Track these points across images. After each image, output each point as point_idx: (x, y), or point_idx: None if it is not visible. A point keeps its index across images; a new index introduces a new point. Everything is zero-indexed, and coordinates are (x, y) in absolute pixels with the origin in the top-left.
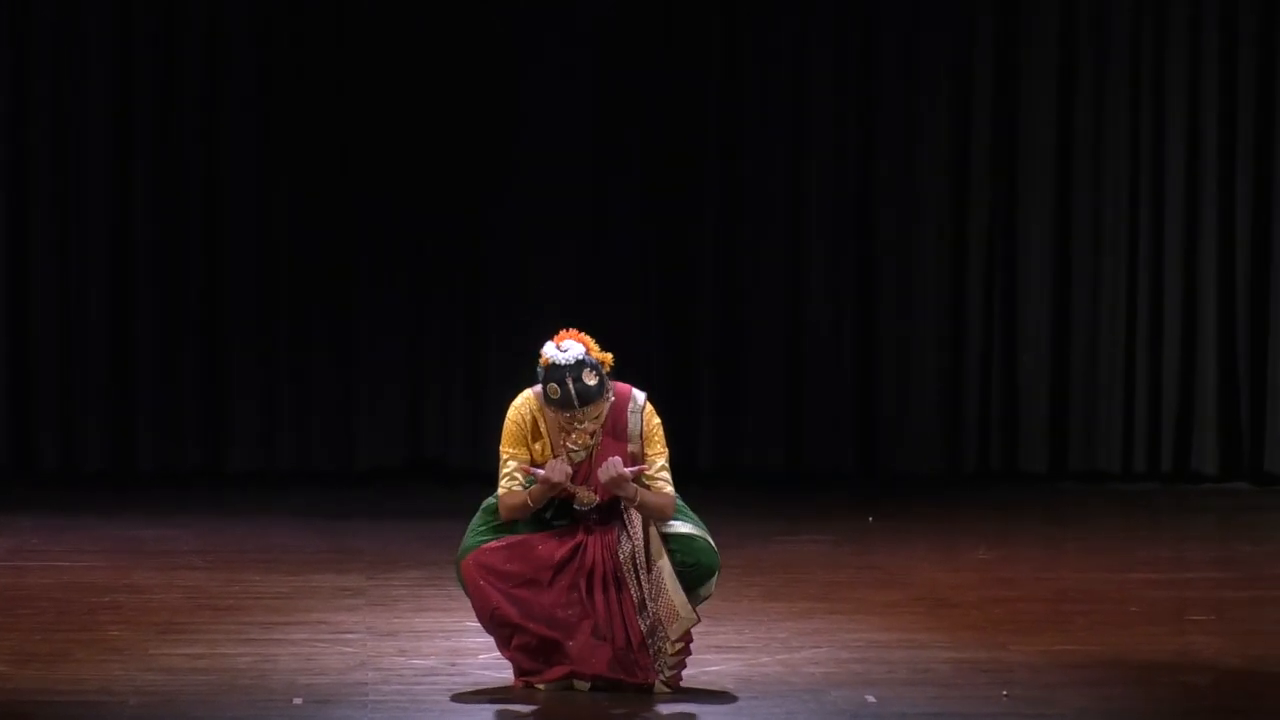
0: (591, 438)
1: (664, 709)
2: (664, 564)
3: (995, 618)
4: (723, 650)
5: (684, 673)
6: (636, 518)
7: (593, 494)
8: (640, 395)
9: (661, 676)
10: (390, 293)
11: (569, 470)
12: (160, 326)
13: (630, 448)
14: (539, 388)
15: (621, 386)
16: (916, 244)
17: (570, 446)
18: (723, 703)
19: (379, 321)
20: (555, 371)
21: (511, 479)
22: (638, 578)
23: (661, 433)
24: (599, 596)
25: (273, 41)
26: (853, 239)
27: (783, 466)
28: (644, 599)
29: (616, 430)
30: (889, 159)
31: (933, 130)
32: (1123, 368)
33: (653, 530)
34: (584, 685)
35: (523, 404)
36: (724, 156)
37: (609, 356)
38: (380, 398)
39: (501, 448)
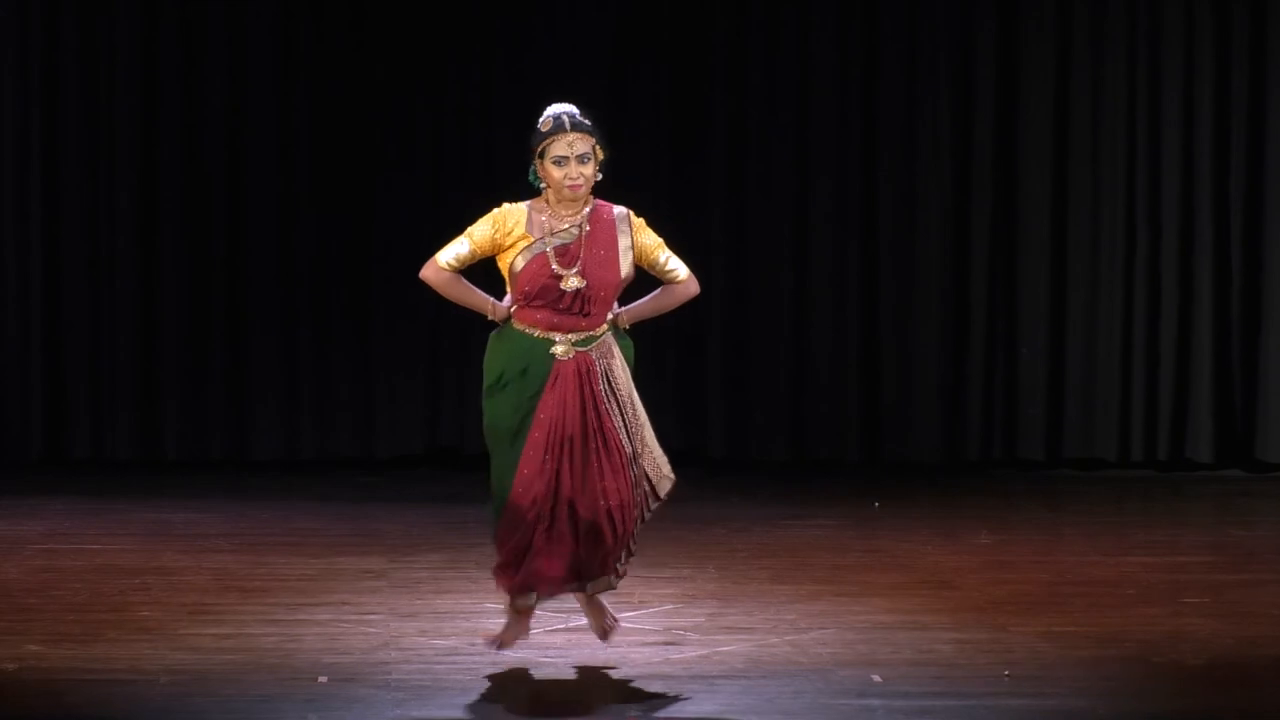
0: (583, 181)
1: (674, 686)
2: (645, 419)
3: (996, 600)
4: (732, 631)
5: (691, 651)
6: (620, 371)
7: (579, 278)
8: (621, 209)
9: (620, 565)
10: (409, 283)
11: (500, 314)
12: (186, 320)
13: (624, 267)
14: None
15: (602, 201)
16: (919, 237)
17: (555, 229)
18: (733, 682)
19: (398, 311)
20: (553, 109)
21: (457, 249)
22: (627, 432)
23: (652, 232)
24: (579, 454)
25: (292, 30)
26: (856, 233)
27: (789, 456)
28: (634, 453)
29: (603, 227)
30: (891, 153)
31: (934, 126)
32: (1119, 358)
33: (633, 391)
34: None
35: (510, 205)
36: (729, 153)
37: (603, 156)
38: (399, 387)
39: (469, 228)
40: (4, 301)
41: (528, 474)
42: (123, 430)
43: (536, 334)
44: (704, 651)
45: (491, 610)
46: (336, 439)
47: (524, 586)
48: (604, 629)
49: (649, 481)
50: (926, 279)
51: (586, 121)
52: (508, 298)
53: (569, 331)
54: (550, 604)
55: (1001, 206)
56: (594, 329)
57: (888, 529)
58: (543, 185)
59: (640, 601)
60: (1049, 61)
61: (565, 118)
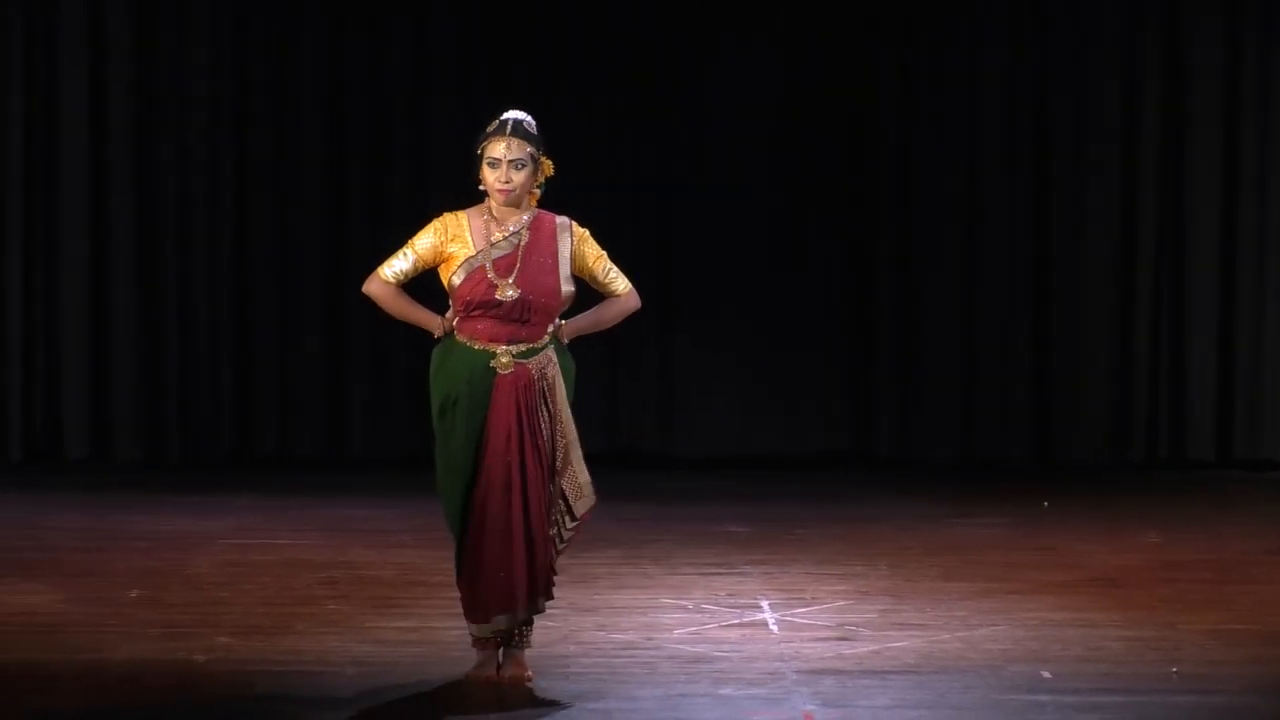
0: (513, 186)
1: (847, 681)
2: (575, 436)
3: (1164, 598)
4: (905, 627)
5: (864, 647)
6: (559, 384)
7: (514, 288)
8: (564, 219)
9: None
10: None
11: (447, 328)
12: (370, 321)
13: (563, 271)
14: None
15: (546, 211)
16: (1087, 238)
17: (494, 239)
18: (904, 677)
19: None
20: (504, 114)
21: (400, 262)
22: (552, 446)
23: (594, 243)
24: (522, 471)
25: (472, 35)
26: (1025, 235)
27: (958, 455)
28: (555, 469)
29: (544, 238)
30: (1060, 160)
31: (1102, 132)
32: None
33: (566, 408)
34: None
35: (451, 213)
36: (900, 164)
37: (550, 166)
38: (581, 387)
39: (411, 239)
40: (194, 302)
41: (483, 497)
42: (309, 427)
43: (478, 346)
44: (876, 647)
45: (668, 606)
46: None
47: (484, 617)
48: (520, 679)
49: (565, 500)
50: (1095, 280)
51: (531, 131)
52: (450, 311)
53: (509, 342)
54: (724, 600)
55: (1169, 207)
56: (535, 340)
57: (1057, 528)
58: (483, 189)
59: (813, 598)
60: (1216, 72)
61: (509, 122)
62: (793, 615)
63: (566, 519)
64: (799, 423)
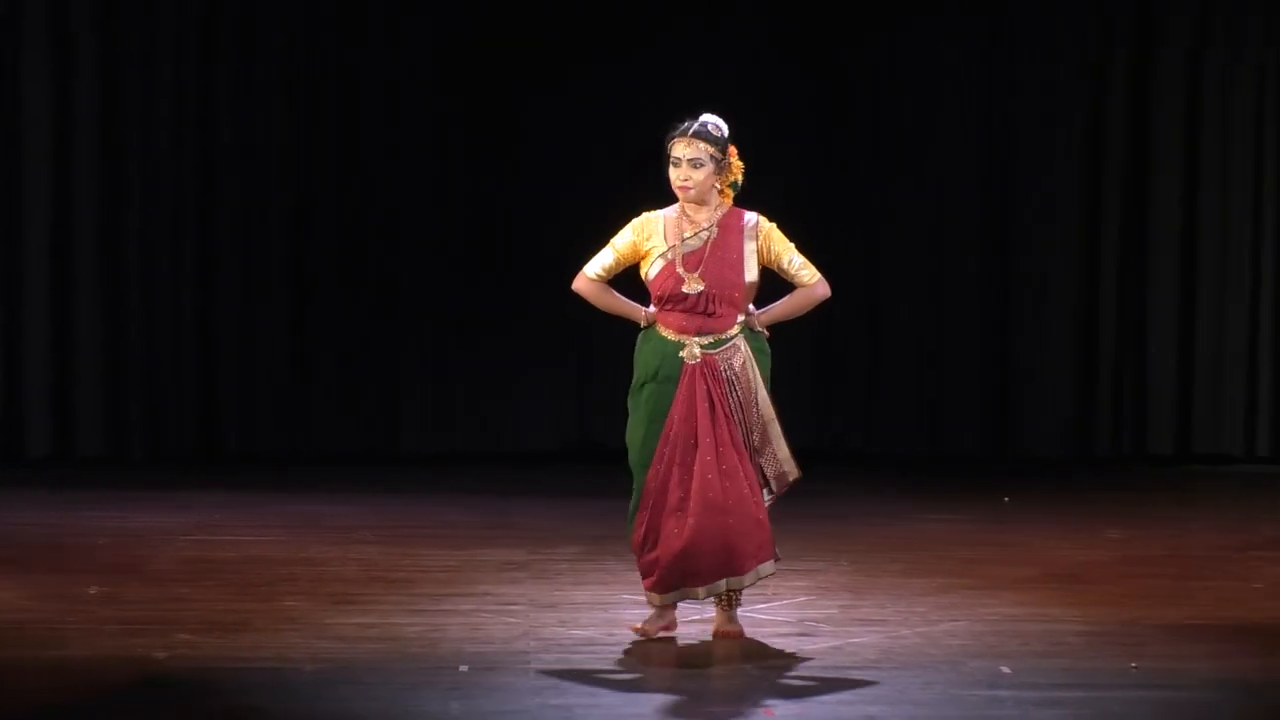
0: (691, 184)
1: (808, 675)
2: (772, 416)
3: (1125, 593)
4: (865, 623)
5: (824, 643)
6: (746, 370)
7: (699, 281)
8: (753, 215)
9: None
10: (558, 277)
11: (650, 319)
12: (335, 322)
13: (748, 264)
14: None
15: (738, 208)
16: (1049, 236)
17: (685, 235)
18: (864, 673)
19: (545, 308)
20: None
21: (603, 259)
22: (745, 430)
23: (781, 237)
24: (700, 455)
25: (451, 39)
26: (989, 237)
27: (923, 450)
28: (754, 446)
29: (732, 234)
30: (1024, 156)
31: (1066, 132)
32: (1246, 356)
33: (761, 387)
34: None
35: (650, 213)
36: (867, 164)
37: (740, 167)
38: (546, 382)
39: (613, 238)
40: (158, 299)
41: (658, 472)
42: (273, 425)
43: (671, 336)
44: (836, 643)
45: (627, 602)
46: (483, 433)
47: (662, 589)
48: (723, 633)
49: (764, 477)
50: (1057, 277)
51: (710, 131)
52: (651, 303)
53: (698, 333)
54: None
55: (1131, 204)
56: (722, 331)
57: (1018, 523)
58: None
59: (774, 594)
60: (1179, 69)
61: (689, 124)
62: (754, 611)
63: (765, 494)
64: None
